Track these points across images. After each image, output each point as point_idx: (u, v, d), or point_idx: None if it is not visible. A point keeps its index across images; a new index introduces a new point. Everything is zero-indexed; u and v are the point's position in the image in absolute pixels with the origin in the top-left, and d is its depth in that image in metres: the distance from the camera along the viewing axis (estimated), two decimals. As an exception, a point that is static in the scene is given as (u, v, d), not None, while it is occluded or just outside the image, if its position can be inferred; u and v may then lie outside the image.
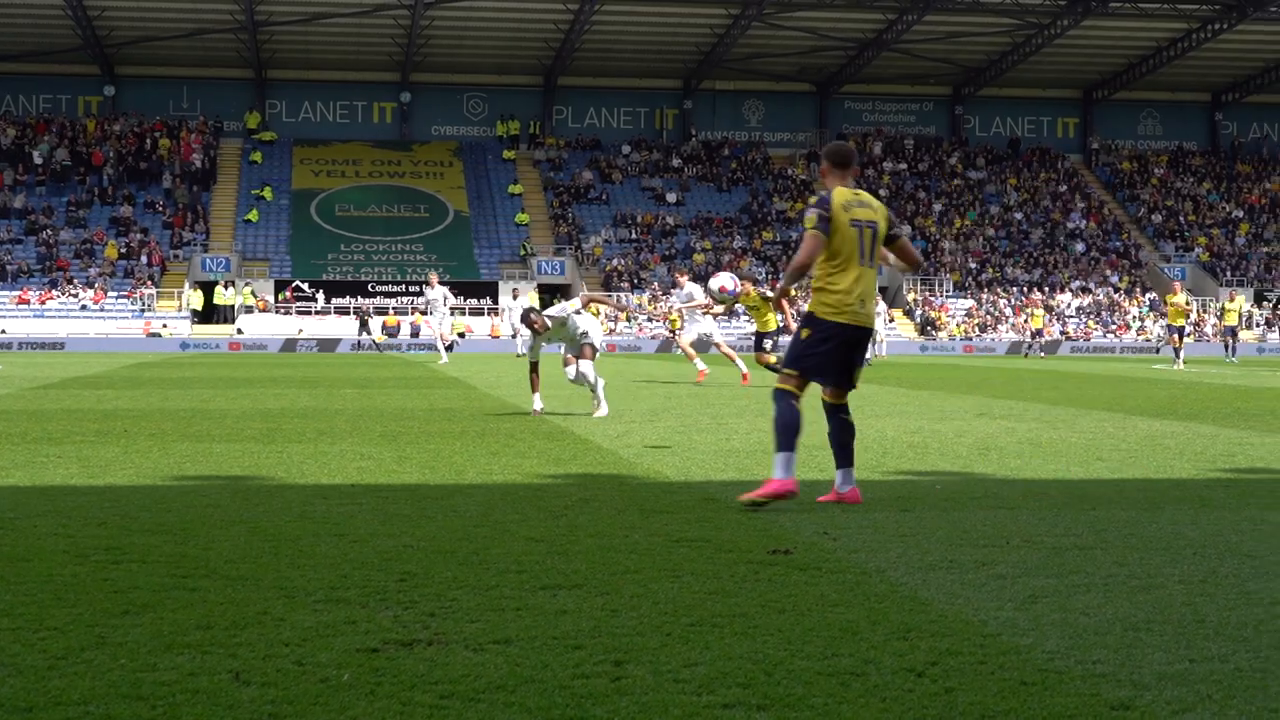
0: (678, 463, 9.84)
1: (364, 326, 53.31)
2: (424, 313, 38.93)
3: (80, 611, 4.80)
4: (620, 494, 8.13)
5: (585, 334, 14.30)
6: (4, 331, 52.35)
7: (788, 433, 7.50)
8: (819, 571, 5.63)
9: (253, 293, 57.33)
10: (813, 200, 7.86)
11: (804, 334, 7.70)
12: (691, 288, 24.23)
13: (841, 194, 7.71)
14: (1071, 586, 5.32)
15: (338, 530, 6.66)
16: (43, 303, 55.31)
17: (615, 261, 60.46)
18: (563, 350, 14.59)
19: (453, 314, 36.59)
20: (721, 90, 70.73)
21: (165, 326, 54.20)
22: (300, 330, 54.64)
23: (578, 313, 14.29)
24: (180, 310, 56.34)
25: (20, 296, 55.31)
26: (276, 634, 4.48)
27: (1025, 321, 59.12)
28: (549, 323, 14.04)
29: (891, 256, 8.05)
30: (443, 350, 34.51)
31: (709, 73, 68.11)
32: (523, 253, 61.35)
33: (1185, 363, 35.14)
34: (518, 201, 65.48)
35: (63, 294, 55.79)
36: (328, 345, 52.65)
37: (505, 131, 69.31)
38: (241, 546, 6.17)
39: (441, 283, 35.89)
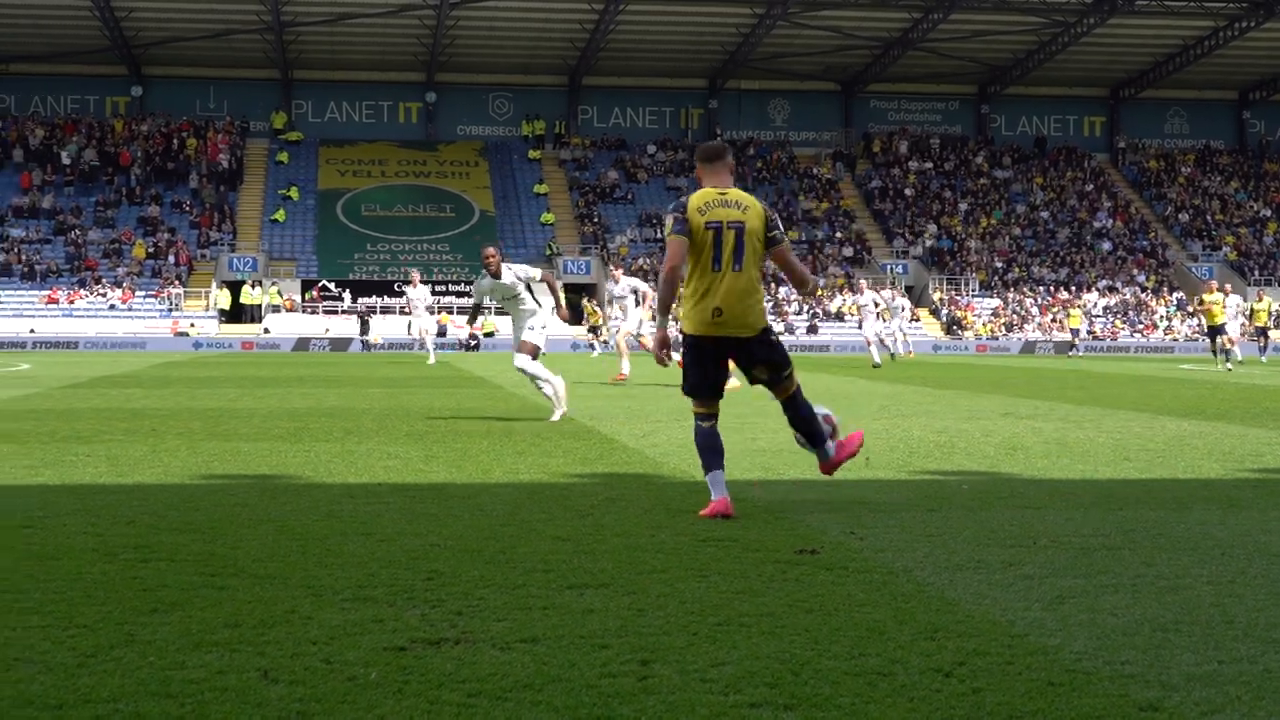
0: (703, 462, 9.83)
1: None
2: (405, 312, 39.10)
3: (109, 609, 4.82)
4: (647, 493, 8.13)
5: (532, 328, 14.02)
6: (33, 331, 52.64)
7: (707, 455, 7.18)
8: (846, 571, 5.62)
9: (279, 292, 57.52)
10: (672, 205, 7.27)
11: (682, 352, 7.38)
12: (628, 282, 23.53)
13: (702, 195, 7.12)
14: (1099, 587, 5.29)
15: (365, 529, 6.68)
16: (71, 302, 55.61)
17: (641, 261, 60.44)
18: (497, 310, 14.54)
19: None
20: (746, 90, 70.61)
21: (193, 326, 54.47)
22: (327, 330, 54.86)
23: (529, 289, 14.21)
24: (208, 310, 56.59)
25: (49, 296, 55.62)
26: (304, 632, 4.50)
27: (1053, 321, 58.91)
28: (504, 274, 13.97)
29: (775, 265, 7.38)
30: (431, 349, 34.86)
31: (734, 72, 68.05)
32: (548, 252, 61.39)
33: (1219, 363, 32.56)
34: (543, 201, 65.54)
35: (91, 294, 56.09)
36: (339, 345, 52.86)
37: (530, 131, 69.39)
38: (269, 545, 6.19)
39: (424, 282, 36.25)
